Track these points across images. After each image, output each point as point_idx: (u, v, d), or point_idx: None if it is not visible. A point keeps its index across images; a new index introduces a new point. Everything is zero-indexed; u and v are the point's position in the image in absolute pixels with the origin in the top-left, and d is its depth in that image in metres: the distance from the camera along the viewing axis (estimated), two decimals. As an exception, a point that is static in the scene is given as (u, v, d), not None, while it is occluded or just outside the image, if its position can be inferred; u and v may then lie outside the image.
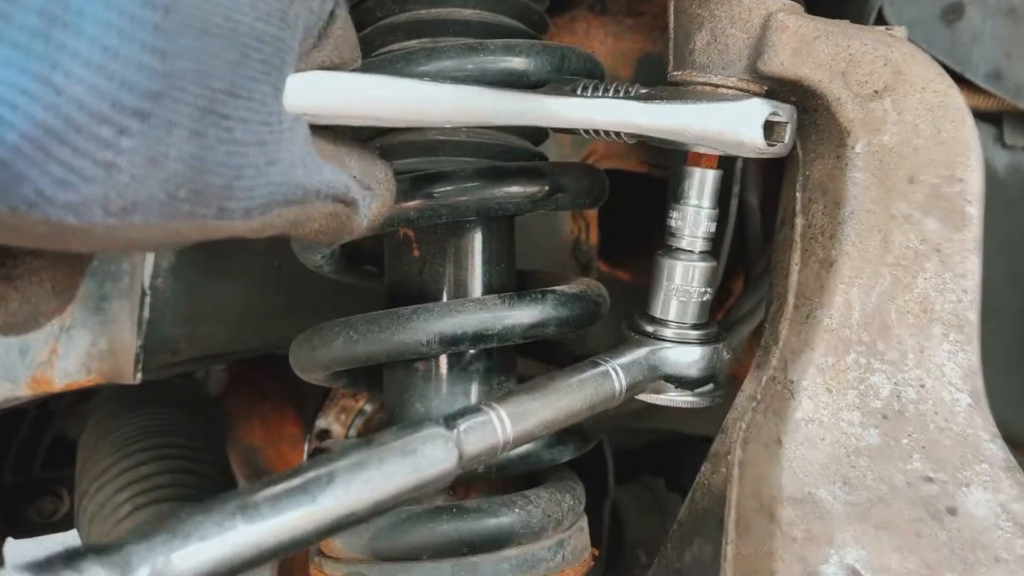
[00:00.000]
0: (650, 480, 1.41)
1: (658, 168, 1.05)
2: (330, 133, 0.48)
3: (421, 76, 0.66)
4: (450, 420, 0.48)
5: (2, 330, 0.39)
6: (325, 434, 1.26)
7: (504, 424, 0.50)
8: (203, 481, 0.95)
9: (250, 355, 1.02)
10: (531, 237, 1.00)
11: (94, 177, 0.30)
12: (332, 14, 0.45)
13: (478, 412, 0.49)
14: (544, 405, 0.53)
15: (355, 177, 0.48)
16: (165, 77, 0.31)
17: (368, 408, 1.24)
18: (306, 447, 1.28)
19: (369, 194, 0.50)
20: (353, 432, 1.30)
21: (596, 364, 0.60)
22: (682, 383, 0.65)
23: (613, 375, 0.60)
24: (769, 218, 1.09)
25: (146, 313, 0.83)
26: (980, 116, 1.06)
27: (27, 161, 0.28)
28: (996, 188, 1.10)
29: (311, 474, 0.39)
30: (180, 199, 0.34)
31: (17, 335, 0.40)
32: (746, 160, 1.00)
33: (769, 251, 1.10)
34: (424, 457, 0.44)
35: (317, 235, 0.47)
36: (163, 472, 0.93)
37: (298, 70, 0.43)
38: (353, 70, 0.49)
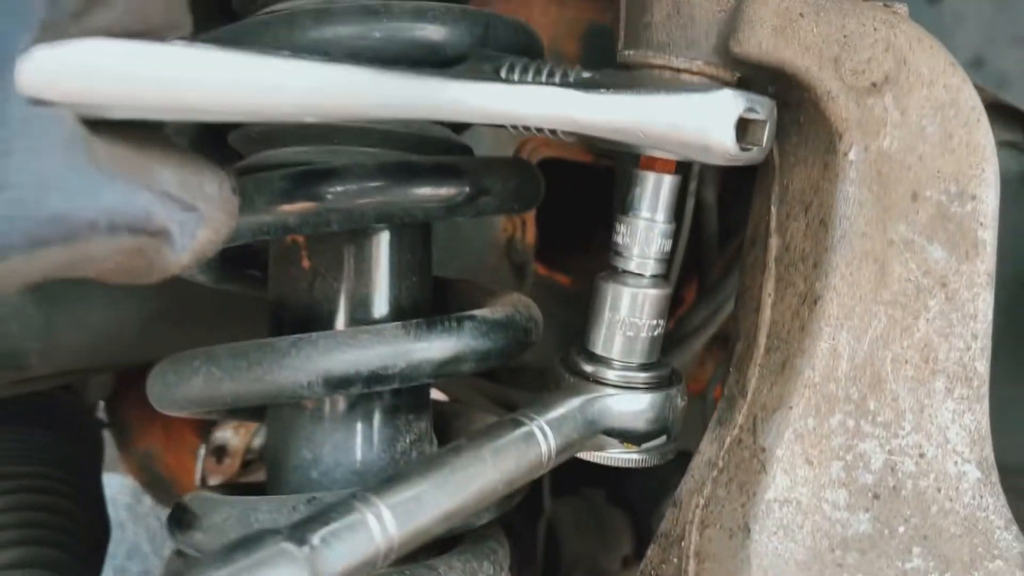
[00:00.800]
0: (591, 493, 1.29)
1: (604, 159, 0.92)
2: (127, 132, 0.34)
3: (308, 44, 0.52)
4: (303, 530, 0.34)
5: None
6: (222, 450, 1.12)
7: (384, 526, 0.37)
8: (66, 521, 0.80)
9: (118, 369, 0.87)
10: (458, 235, 0.87)
11: None
12: None
13: (346, 512, 0.36)
14: (444, 491, 0.40)
15: (169, 194, 0.34)
16: None
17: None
18: (199, 464, 1.13)
19: (192, 217, 0.36)
20: (258, 442, 1.17)
21: (518, 423, 0.47)
22: (627, 437, 0.53)
23: (540, 436, 0.48)
24: (726, 216, 0.97)
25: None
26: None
27: None
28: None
29: None
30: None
31: None
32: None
33: (725, 256, 0.98)
34: None
35: (112, 276, 0.34)
36: (12, 509, 0.78)
37: (68, 37, 0.28)
38: (179, 39, 0.35)
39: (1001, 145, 1.02)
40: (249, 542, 0.33)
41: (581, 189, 0.95)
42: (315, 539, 0.34)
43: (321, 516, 0.36)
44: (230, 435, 1.07)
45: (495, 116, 0.45)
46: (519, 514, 0.91)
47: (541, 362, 0.98)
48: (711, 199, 0.94)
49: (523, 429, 0.47)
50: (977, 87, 1.01)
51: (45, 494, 0.81)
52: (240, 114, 0.36)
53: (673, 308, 1.00)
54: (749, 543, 0.44)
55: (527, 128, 0.49)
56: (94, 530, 0.84)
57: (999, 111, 1.00)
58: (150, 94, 0.31)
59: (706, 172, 0.92)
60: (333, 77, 0.37)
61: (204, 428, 1.17)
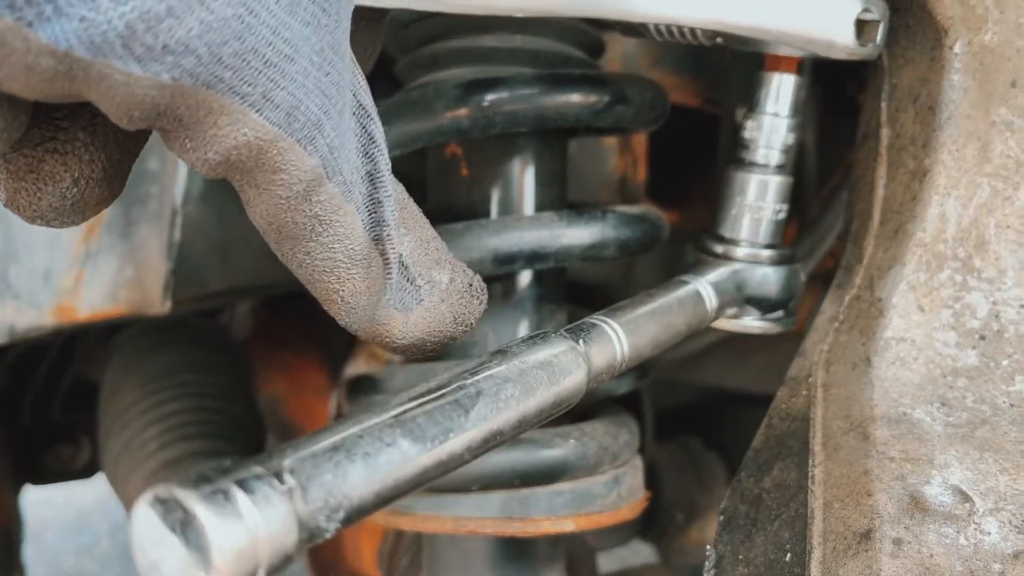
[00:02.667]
0: (687, 439, 1.36)
1: (711, 103, 0.99)
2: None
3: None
4: (572, 333, 0.43)
5: (49, 215, 0.34)
6: (355, 382, 1.22)
7: (621, 340, 0.45)
8: (230, 419, 0.91)
9: (281, 291, 0.98)
10: (577, 174, 0.95)
11: None
12: None
13: (595, 327, 0.45)
14: (652, 323, 0.48)
15: (401, 258, 0.39)
16: None
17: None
18: (333, 396, 1.24)
19: (411, 290, 0.40)
20: (382, 382, 1.26)
21: (685, 283, 0.55)
22: (762, 305, 0.61)
23: (704, 294, 0.56)
24: (825, 159, 1.03)
25: (176, 236, 0.79)
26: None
27: None
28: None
29: (457, 387, 0.34)
30: (223, 61, 0.28)
31: (62, 224, 0.35)
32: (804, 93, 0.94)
33: (823, 196, 1.05)
34: (559, 370, 0.39)
35: (325, 283, 0.36)
36: (191, 409, 0.89)
37: None
38: None
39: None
40: (538, 337, 0.41)
41: (688, 136, 1.03)
42: (581, 339, 0.43)
43: (582, 327, 0.45)
44: (362, 367, 1.17)
45: (653, 17, 0.54)
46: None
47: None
48: (810, 142, 1.01)
49: (692, 287, 0.55)
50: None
51: (217, 399, 0.92)
52: (473, 6, 0.46)
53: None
54: (871, 370, 0.52)
55: (671, 33, 0.57)
56: (255, 430, 0.95)
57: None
58: None
59: (807, 116, 0.99)
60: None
61: (331, 368, 1.28)
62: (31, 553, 2.75)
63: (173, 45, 0.27)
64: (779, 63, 0.60)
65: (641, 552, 1.57)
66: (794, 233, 1.05)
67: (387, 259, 0.37)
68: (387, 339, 0.39)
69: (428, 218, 0.72)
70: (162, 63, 0.27)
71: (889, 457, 0.47)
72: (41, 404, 1.19)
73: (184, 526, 0.24)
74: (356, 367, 1.15)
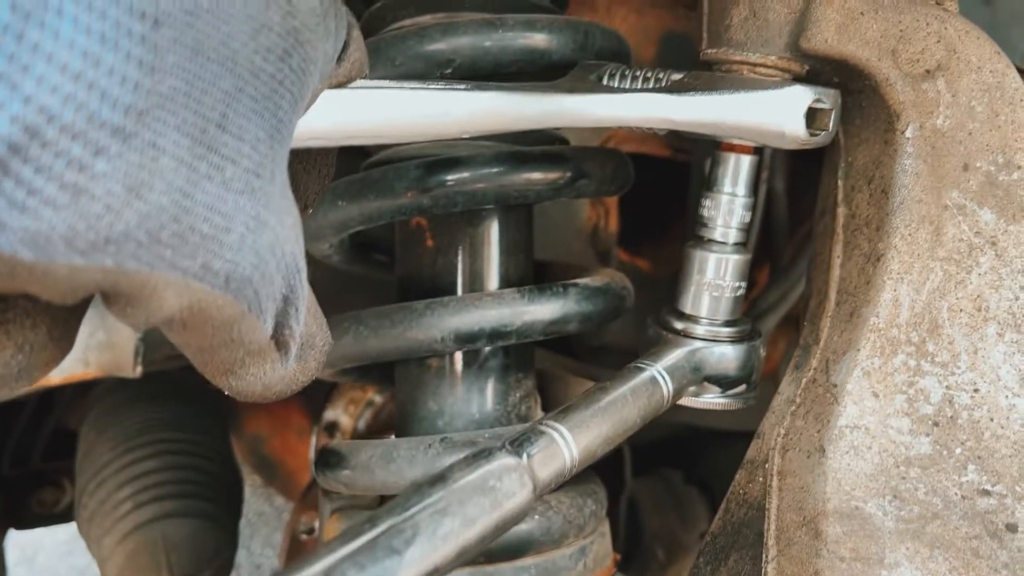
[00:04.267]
0: (668, 473, 1.37)
1: (682, 152, 1.00)
2: None
3: (435, 55, 0.62)
4: (517, 447, 0.43)
5: None
6: (333, 426, 1.22)
7: (569, 446, 0.46)
8: (206, 477, 0.92)
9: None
10: (549, 224, 0.96)
11: (59, 203, 0.26)
12: (344, 47, 0.41)
13: (542, 435, 0.45)
14: (603, 421, 0.49)
15: (295, 344, 0.41)
16: (151, 94, 0.27)
17: (377, 399, 1.20)
18: (313, 439, 1.24)
19: (300, 355, 0.42)
20: (362, 424, 1.27)
21: (641, 369, 0.56)
22: (721, 383, 0.61)
23: (660, 381, 0.56)
24: (796, 206, 1.04)
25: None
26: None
27: None
28: None
29: (389, 525, 0.34)
30: (162, 243, 0.30)
31: (12, 392, 0.35)
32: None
33: (796, 241, 1.06)
34: (502, 494, 0.39)
35: (218, 370, 0.39)
36: (165, 468, 0.89)
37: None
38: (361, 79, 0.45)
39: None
40: (482, 457, 0.41)
41: (660, 182, 1.03)
42: (529, 453, 0.43)
43: (526, 438, 0.45)
44: (340, 413, 1.17)
45: (605, 121, 0.55)
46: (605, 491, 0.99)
47: (621, 342, 1.06)
48: (781, 189, 1.02)
49: (648, 374, 0.56)
50: (1034, 78, 1.06)
51: (192, 456, 0.92)
52: (419, 135, 0.46)
53: (747, 290, 1.08)
54: (824, 460, 0.52)
55: (628, 128, 0.58)
56: (233, 486, 0.95)
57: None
58: (360, 127, 0.41)
59: (776, 164, 1.00)
60: (485, 103, 0.47)
61: (312, 410, 1.28)
62: (24, 575, 2.75)
63: (114, 237, 0.28)
64: (734, 146, 0.60)
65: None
66: (766, 278, 1.06)
67: (285, 351, 0.39)
68: (257, 395, 0.42)
69: (399, 287, 0.73)
70: (104, 252, 0.28)
71: (840, 556, 0.47)
72: (21, 454, 1.19)
73: None
74: (335, 412, 1.16)
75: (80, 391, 1.12)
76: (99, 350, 0.83)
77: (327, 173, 0.52)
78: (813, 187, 0.96)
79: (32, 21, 0.23)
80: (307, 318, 0.42)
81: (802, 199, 1.04)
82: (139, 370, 0.82)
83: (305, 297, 0.40)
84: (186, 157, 0.29)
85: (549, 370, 0.81)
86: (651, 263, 1.04)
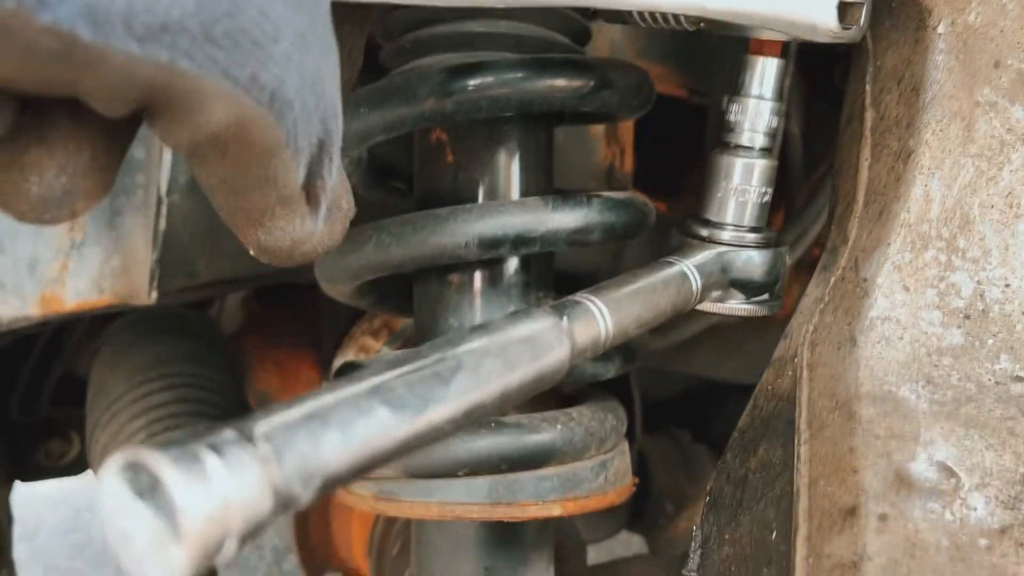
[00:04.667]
0: (676, 431, 1.37)
1: (697, 94, 0.99)
2: None
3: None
4: (557, 310, 0.43)
5: (36, 209, 0.33)
6: (341, 369, 1.22)
7: (605, 317, 0.45)
8: (218, 410, 0.91)
9: (270, 282, 0.97)
10: (564, 163, 0.95)
11: None
12: None
13: (579, 304, 0.45)
14: (637, 301, 0.48)
15: (326, 199, 0.41)
16: None
17: (388, 349, 1.20)
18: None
19: (323, 217, 0.41)
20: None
21: (671, 264, 0.55)
22: (747, 288, 0.61)
23: (690, 275, 0.56)
24: (811, 148, 1.03)
25: (162, 224, 0.79)
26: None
27: None
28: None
29: (438, 359, 0.34)
30: (215, 42, 0.29)
31: (53, 220, 0.34)
32: (789, 82, 0.94)
33: (809, 184, 1.05)
34: (542, 346, 0.39)
35: (248, 220, 0.38)
36: (179, 400, 0.89)
37: None
38: None
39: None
40: (521, 313, 0.41)
41: (675, 125, 1.03)
42: (565, 316, 0.43)
43: (566, 304, 0.45)
44: (351, 359, 1.17)
45: (640, 5, 0.54)
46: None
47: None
48: (796, 131, 1.01)
49: (678, 268, 0.55)
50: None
51: (204, 390, 0.92)
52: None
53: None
54: (856, 350, 0.52)
55: (655, 19, 0.57)
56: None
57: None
58: None
59: (791, 106, 0.99)
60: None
61: (321, 362, 1.28)
62: (24, 554, 2.74)
63: (170, 24, 0.27)
64: (763, 47, 0.60)
65: (631, 543, 1.57)
66: (780, 222, 1.06)
67: (316, 205, 0.39)
68: (284, 253, 0.40)
69: (416, 202, 0.72)
70: (159, 43, 0.27)
71: (874, 435, 0.47)
72: (29, 399, 1.19)
73: (152, 491, 0.24)
74: (345, 359, 1.15)
75: (89, 333, 1.11)
76: (114, 276, 0.82)
77: (356, 58, 0.51)
78: (828, 131, 0.95)
79: None
80: (337, 176, 0.41)
81: (817, 143, 1.03)
82: (154, 296, 0.81)
83: (339, 147, 0.40)
84: None
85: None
86: (667, 205, 1.03)
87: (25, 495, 1.34)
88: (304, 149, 0.36)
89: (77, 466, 1.30)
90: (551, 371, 0.39)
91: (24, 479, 1.29)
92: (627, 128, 0.99)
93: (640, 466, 1.30)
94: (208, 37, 0.29)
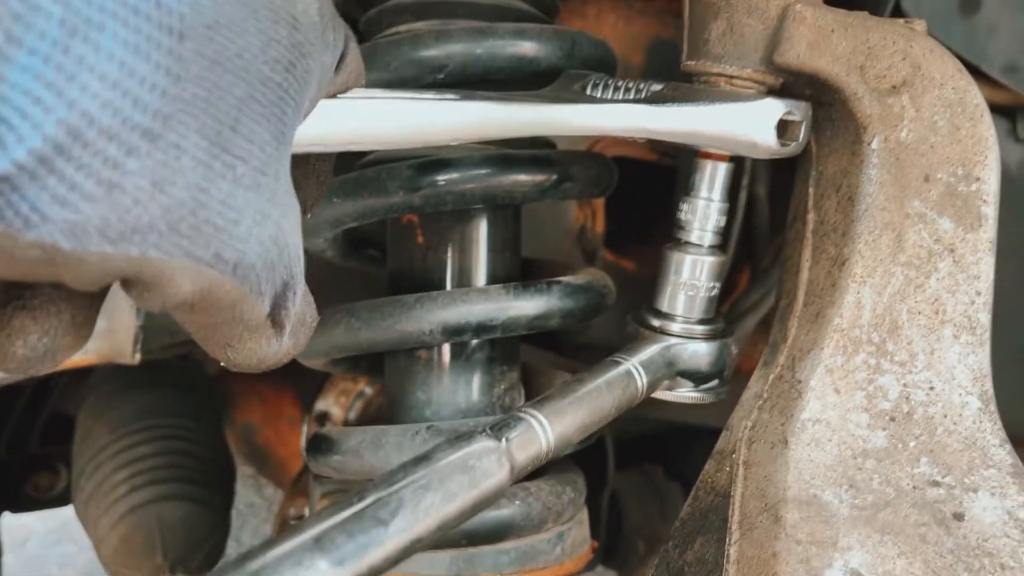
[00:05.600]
0: (649, 468, 1.40)
1: (667, 157, 1.03)
2: None
3: (429, 60, 0.65)
4: (496, 431, 0.46)
5: (21, 366, 0.37)
6: (324, 416, 1.25)
7: (546, 431, 0.49)
8: (200, 463, 0.95)
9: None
10: (537, 224, 0.99)
11: (95, 197, 0.29)
12: (342, 58, 0.44)
13: (520, 420, 0.48)
14: (579, 409, 0.52)
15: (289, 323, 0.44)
16: (176, 100, 0.30)
17: (368, 390, 1.23)
18: (305, 428, 1.27)
19: (292, 332, 0.45)
20: (352, 415, 1.30)
21: (617, 363, 0.59)
22: (694, 378, 0.64)
23: (635, 374, 0.59)
24: (777, 211, 1.07)
25: (146, 294, 0.82)
26: (994, 110, 1.04)
27: (28, 176, 0.27)
28: (1008, 184, 1.08)
29: (376, 498, 0.38)
30: (181, 233, 0.33)
31: (37, 372, 0.38)
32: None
33: (776, 245, 1.09)
34: (481, 473, 0.42)
35: (218, 344, 0.42)
36: (160, 453, 0.92)
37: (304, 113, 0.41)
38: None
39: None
40: (463, 439, 0.45)
41: (646, 185, 1.06)
42: (507, 437, 0.46)
43: (506, 423, 0.48)
44: (331, 403, 1.20)
45: (587, 129, 0.58)
46: (587, 484, 1.03)
47: (604, 339, 1.09)
48: (763, 196, 1.05)
49: (623, 368, 0.59)
50: (1011, 91, 1.10)
51: (186, 442, 0.95)
52: (412, 142, 0.49)
53: (727, 293, 1.11)
54: (787, 451, 0.56)
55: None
56: (225, 470, 0.98)
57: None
58: (357, 134, 0.45)
59: (758, 171, 1.03)
60: (475, 112, 0.50)
61: (303, 400, 1.31)
62: (13, 563, 2.77)
63: (141, 227, 0.31)
64: (711, 154, 0.63)
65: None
66: (746, 281, 1.09)
67: (280, 329, 0.42)
68: (252, 366, 0.44)
69: (390, 282, 0.76)
70: (131, 242, 0.31)
71: (796, 540, 0.50)
72: (19, 438, 1.22)
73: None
74: (325, 402, 1.19)
75: (77, 378, 1.15)
76: (99, 337, 0.86)
77: (325, 179, 0.55)
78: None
79: (78, 36, 0.26)
80: (301, 301, 0.45)
81: (783, 206, 1.07)
82: (138, 357, 0.85)
83: (302, 283, 0.44)
84: (203, 157, 0.32)
85: (534, 365, 0.84)
86: (636, 264, 1.07)
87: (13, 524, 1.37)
88: (268, 291, 0.40)
89: (65, 498, 1.33)
90: (490, 495, 0.43)
91: (13, 511, 1.32)
92: (597, 193, 1.03)
93: (614, 504, 1.34)
94: (174, 230, 0.33)
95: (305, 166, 0.51)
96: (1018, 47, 1.07)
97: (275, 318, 0.43)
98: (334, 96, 0.46)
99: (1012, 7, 1.05)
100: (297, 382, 1.32)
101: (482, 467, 0.43)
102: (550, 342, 1.08)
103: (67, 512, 3.10)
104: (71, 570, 2.86)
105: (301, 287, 0.44)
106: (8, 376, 0.85)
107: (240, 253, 0.36)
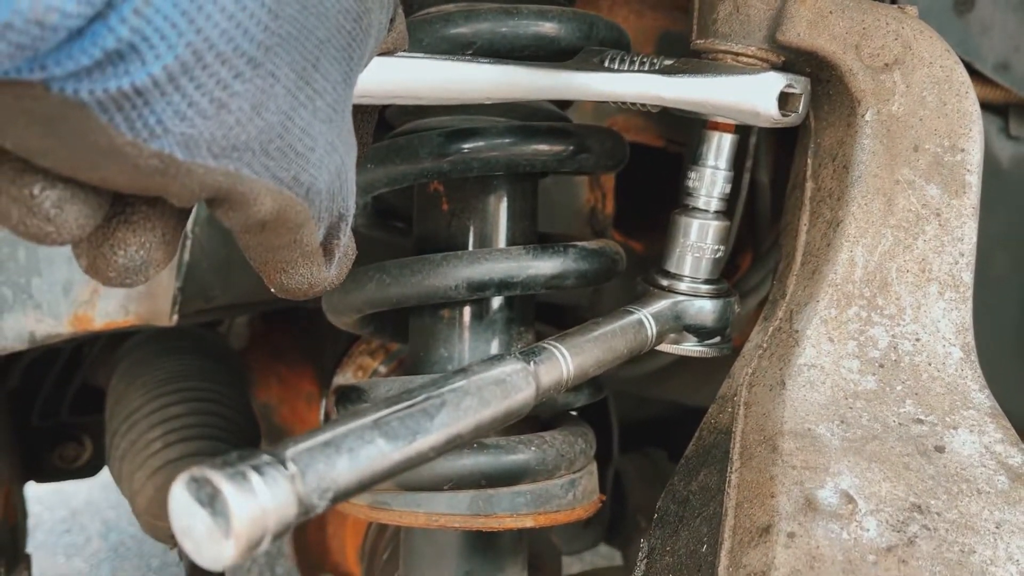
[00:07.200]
0: (653, 451, 1.45)
1: (675, 144, 1.09)
2: None
3: (458, 37, 0.71)
4: (526, 356, 0.52)
5: (120, 275, 0.42)
6: (343, 391, 1.31)
7: (567, 361, 0.54)
8: (228, 423, 1.00)
9: (277, 306, 1.06)
10: (550, 205, 1.04)
11: (207, 114, 0.34)
12: (392, 20, 0.50)
13: (544, 350, 0.54)
14: (595, 346, 0.57)
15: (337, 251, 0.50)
16: (274, 35, 0.35)
17: (383, 368, 1.28)
18: (323, 404, 1.32)
19: (338, 263, 0.50)
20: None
21: (630, 312, 0.64)
22: (699, 333, 0.69)
23: (646, 323, 0.65)
24: (779, 197, 1.13)
25: (186, 256, 0.87)
26: (987, 107, 1.09)
27: (158, 91, 0.32)
28: (1001, 178, 1.14)
29: (425, 398, 0.43)
30: (269, 155, 0.38)
31: (132, 283, 0.43)
32: (759, 137, 1.04)
33: (777, 228, 1.14)
34: (511, 386, 0.48)
35: (274, 268, 0.47)
36: (192, 413, 0.98)
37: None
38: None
39: (1023, 140, 1.17)
40: (496, 358, 0.50)
41: (654, 170, 1.12)
42: (532, 361, 0.52)
43: (532, 351, 0.53)
44: (349, 378, 1.25)
45: (607, 95, 0.63)
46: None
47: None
48: (766, 181, 1.10)
49: (635, 316, 0.64)
50: (1003, 88, 1.16)
51: (215, 404, 1.00)
52: (448, 98, 0.55)
53: (730, 274, 1.16)
54: (784, 392, 0.61)
55: (624, 103, 0.67)
56: (251, 433, 1.04)
57: (1023, 109, 1.14)
58: (403, 88, 0.50)
59: (761, 157, 1.09)
60: (504, 73, 0.56)
61: (321, 379, 1.37)
62: (23, 551, 2.80)
63: (239, 144, 0.36)
64: (718, 124, 0.69)
65: (607, 556, 1.66)
66: (749, 263, 1.15)
67: (330, 257, 0.48)
68: (301, 292, 0.49)
69: (413, 246, 0.81)
70: (229, 158, 0.36)
71: (792, 465, 0.56)
72: (50, 406, 1.27)
73: (212, 499, 0.32)
74: (344, 377, 1.24)
75: (108, 348, 1.20)
76: (139, 300, 0.91)
77: (366, 140, 0.61)
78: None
79: None
80: (348, 234, 0.51)
81: (784, 191, 1.12)
82: (175, 319, 0.90)
83: (352, 214, 0.49)
84: (292, 87, 0.38)
85: (546, 336, 0.89)
86: (643, 245, 1.12)
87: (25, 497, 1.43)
88: (325, 219, 0.46)
89: (89, 468, 1.39)
90: (518, 408, 0.48)
91: (38, 480, 1.37)
92: (608, 175, 1.08)
93: (617, 484, 1.39)
94: (264, 152, 0.38)
95: (355, 117, 0.56)
96: (1010, 46, 1.12)
97: (327, 246, 0.48)
98: (384, 54, 0.51)
99: (1005, 7, 1.11)
100: (315, 361, 1.38)
101: (513, 382, 0.48)
102: (560, 320, 1.14)
103: (75, 502, 3.13)
104: (78, 559, 2.90)
105: (351, 219, 0.50)
106: (54, 334, 0.90)
107: (313, 178, 0.42)
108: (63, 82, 0.31)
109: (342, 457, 0.36)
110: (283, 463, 0.34)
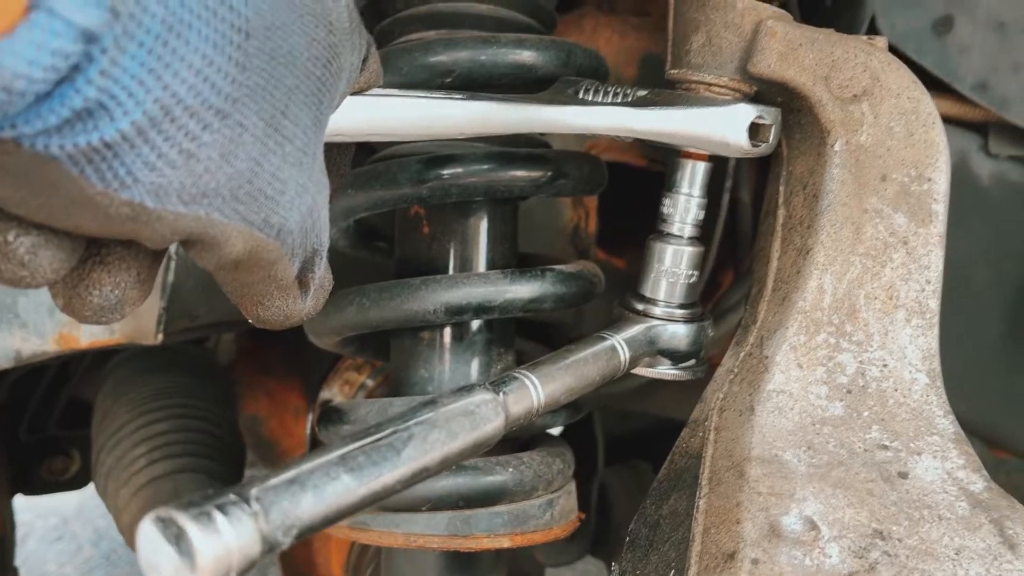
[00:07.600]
0: (638, 464, 1.46)
1: (656, 163, 1.10)
2: None
3: (437, 65, 0.72)
4: (495, 386, 0.53)
5: (94, 315, 0.43)
6: (328, 404, 1.32)
7: (537, 390, 0.55)
8: (214, 439, 1.01)
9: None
10: (533, 223, 1.05)
11: (176, 164, 0.35)
12: (364, 60, 0.51)
13: (515, 379, 0.55)
14: (567, 374, 0.58)
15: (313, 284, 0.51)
16: (242, 86, 0.37)
17: (369, 382, 1.30)
18: (309, 418, 1.33)
19: (314, 294, 0.51)
20: (355, 405, 1.36)
21: (603, 339, 0.65)
22: (673, 357, 0.71)
23: (619, 349, 0.66)
24: (759, 214, 1.14)
25: (171, 277, 0.89)
26: (966, 125, 1.11)
27: (127, 144, 0.33)
28: (980, 196, 1.16)
29: (392, 432, 0.44)
30: (239, 200, 0.39)
31: (108, 321, 0.45)
32: (739, 158, 1.05)
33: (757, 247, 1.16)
34: (480, 418, 0.49)
35: (251, 301, 0.48)
36: (177, 430, 0.99)
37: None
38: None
39: (1008, 159, 1.18)
40: (465, 389, 0.51)
41: (636, 189, 1.13)
42: (501, 391, 0.53)
43: (503, 380, 0.55)
44: (335, 393, 1.26)
45: (577, 128, 0.65)
46: (577, 476, 1.09)
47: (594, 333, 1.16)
48: (747, 200, 1.12)
49: (608, 342, 0.65)
50: (982, 108, 1.17)
51: (200, 420, 1.01)
52: (422, 135, 0.56)
53: (711, 292, 1.18)
54: (753, 418, 0.62)
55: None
56: (235, 448, 1.05)
57: (1004, 129, 1.16)
58: (375, 127, 0.52)
59: (741, 176, 1.10)
60: (478, 110, 0.57)
61: (308, 392, 1.38)
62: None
63: (209, 191, 0.38)
64: (691, 153, 0.70)
65: (592, 569, 1.67)
66: (730, 281, 1.16)
67: (305, 290, 0.49)
68: (277, 323, 0.51)
69: (393, 268, 0.82)
70: (199, 204, 0.38)
71: (758, 492, 0.57)
72: (38, 421, 1.28)
73: (178, 538, 0.34)
74: (331, 392, 1.25)
75: (96, 364, 1.21)
76: (124, 319, 0.92)
77: (344, 171, 0.62)
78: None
79: (173, 33, 0.33)
80: (324, 267, 0.52)
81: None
82: (160, 337, 0.91)
83: (327, 248, 0.50)
84: (260, 135, 0.39)
85: (529, 354, 0.91)
86: (626, 262, 1.14)
87: (16, 505, 1.43)
88: (299, 255, 0.47)
89: (77, 481, 1.39)
90: (487, 439, 0.49)
91: (26, 493, 1.38)
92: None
93: (603, 497, 1.40)
94: (234, 197, 0.39)
95: (328, 155, 0.58)
96: (988, 66, 1.13)
97: (302, 279, 0.49)
98: (357, 93, 0.53)
99: (983, 28, 1.12)
100: (303, 375, 1.38)
101: (481, 413, 0.49)
102: (543, 336, 1.15)
103: (66, 510, 3.13)
104: (70, 567, 2.90)
105: (326, 252, 0.51)
106: (40, 353, 0.91)
107: (283, 219, 0.43)
108: (33, 139, 0.32)
109: (307, 494, 0.37)
110: (247, 502, 0.35)
